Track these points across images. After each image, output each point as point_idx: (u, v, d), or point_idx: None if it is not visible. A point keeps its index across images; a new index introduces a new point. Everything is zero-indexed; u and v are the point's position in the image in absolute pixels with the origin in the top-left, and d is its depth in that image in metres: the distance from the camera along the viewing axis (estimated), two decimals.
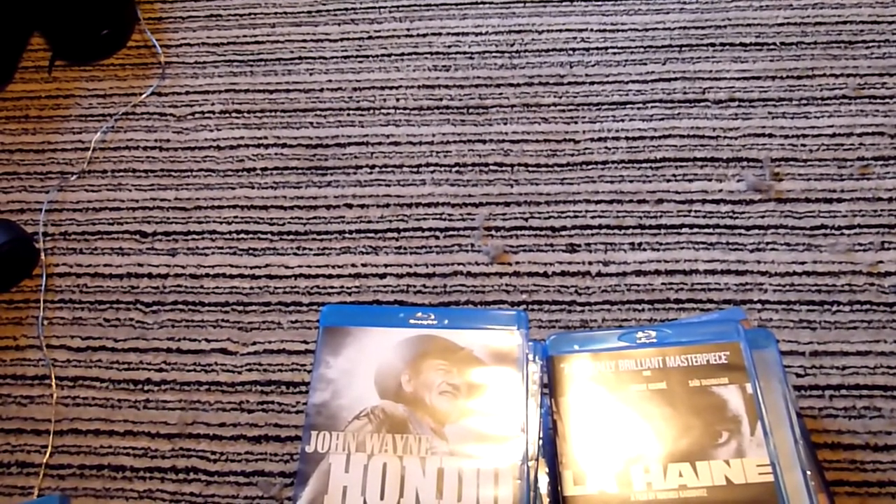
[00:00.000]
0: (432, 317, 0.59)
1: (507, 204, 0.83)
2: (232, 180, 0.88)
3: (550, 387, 0.60)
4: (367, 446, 0.54)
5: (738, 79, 0.89)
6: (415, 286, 0.79)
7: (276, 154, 0.89)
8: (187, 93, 0.95)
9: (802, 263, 0.77)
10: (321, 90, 0.93)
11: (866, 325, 0.73)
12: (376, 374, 0.57)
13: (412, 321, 0.59)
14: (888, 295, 0.74)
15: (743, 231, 0.79)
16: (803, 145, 0.84)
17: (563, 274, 0.79)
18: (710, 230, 0.79)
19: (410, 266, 0.80)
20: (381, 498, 0.53)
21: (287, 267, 0.82)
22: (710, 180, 0.82)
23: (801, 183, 0.82)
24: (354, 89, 0.93)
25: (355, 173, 0.87)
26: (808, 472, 0.56)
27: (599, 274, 0.78)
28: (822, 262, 0.77)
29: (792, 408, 0.59)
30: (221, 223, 0.85)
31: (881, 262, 0.76)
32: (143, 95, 0.95)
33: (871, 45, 0.89)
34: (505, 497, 0.52)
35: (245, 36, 0.98)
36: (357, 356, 0.58)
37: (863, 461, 0.67)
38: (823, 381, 0.71)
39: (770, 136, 0.85)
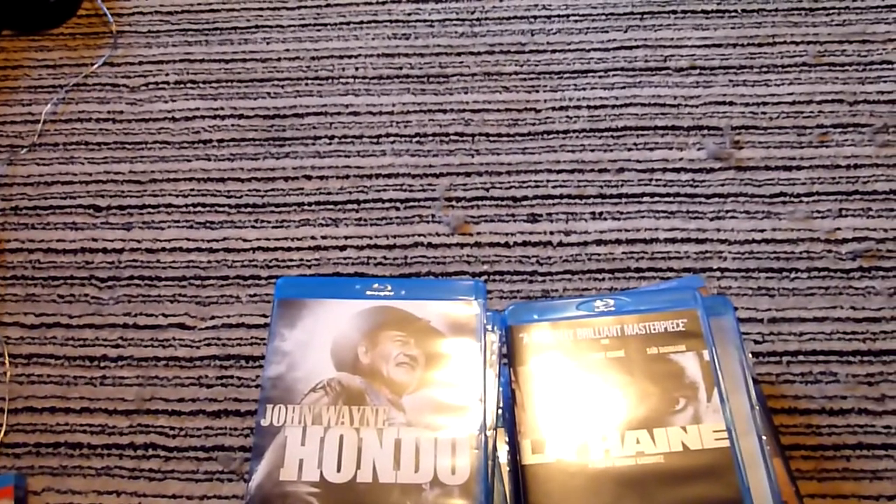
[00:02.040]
0: (389, 288, 0.58)
1: (468, 174, 0.82)
2: (188, 152, 0.86)
3: (509, 356, 0.60)
4: (324, 419, 0.54)
5: (699, 46, 0.88)
6: (375, 258, 0.78)
7: (232, 125, 0.87)
8: (140, 63, 0.92)
9: (761, 231, 0.77)
10: (278, 59, 0.91)
11: (823, 292, 0.74)
12: (332, 346, 0.56)
13: (369, 292, 0.58)
14: (845, 261, 0.75)
15: (703, 199, 0.79)
16: (763, 113, 0.84)
17: (524, 244, 0.78)
18: (671, 199, 0.79)
19: (371, 238, 0.79)
20: (338, 470, 0.52)
21: (245, 240, 0.80)
22: (670, 149, 0.82)
23: (760, 151, 0.82)
24: (312, 58, 0.91)
25: (314, 144, 0.85)
26: (764, 438, 0.56)
27: (560, 244, 0.78)
28: (780, 230, 0.77)
29: (748, 374, 0.59)
30: (177, 196, 0.83)
31: (839, 228, 0.77)
32: (95, 66, 0.92)
33: (831, 12, 0.89)
34: (462, 467, 0.52)
35: (199, 4, 0.96)
36: (313, 328, 0.57)
37: (818, 425, 0.68)
38: (781, 347, 0.72)
39: (731, 104, 0.84)
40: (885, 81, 0.85)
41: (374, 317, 0.58)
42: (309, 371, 0.55)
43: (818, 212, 0.78)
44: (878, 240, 0.76)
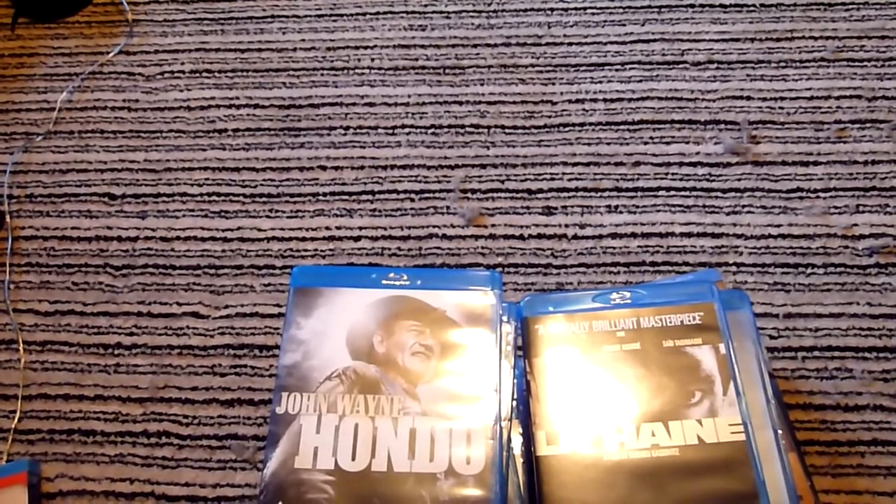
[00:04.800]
0: (405, 277, 0.58)
1: (484, 166, 0.82)
2: (203, 141, 0.86)
3: (524, 348, 0.60)
4: (339, 407, 0.54)
5: (716, 40, 0.88)
6: (390, 249, 0.78)
7: (247, 115, 0.87)
8: (156, 52, 0.92)
9: (778, 226, 0.77)
10: (294, 49, 0.91)
11: (840, 288, 0.73)
12: (348, 335, 0.56)
13: (385, 282, 0.58)
14: (861, 258, 0.75)
15: (720, 194, 0.79)
16: (781, 108, 0.83)
17: (539, 236, 0.78)
18: (687, 193, 0.79)
19: (385, 229, 0.79)
20: (353, 459, 0.52)
21: (260, 229, 0.80)
22: (687, 143, 0.82)
23: (778, 146, 0.81)
24: (328, 49, 0.91)
25: (329, 134, 0.85)
26: (780, 432, 0.56)
27: (576, 237, 0.78)
28: (797, 225, 0.77)
29: (764, 368, 0.59)
30: (192, 185, 0.83)
31: (856, 224, 0.76)
32: (111, 54, 0.92)
33: (850, 7, 0.89)
34: (477, 457, 0.52)
35: None
36: (328, 317, 0.57)
37: (833, 421, 0.68)
38: (796, 342, 0.71)
39: (748, 98, 0.84)
40: None
41: (390, 306, 0.58)
42: (324, 359, 0.55)
43: (835, 207, 0.77)
44: (895, 236, 0.75)
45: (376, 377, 0.55)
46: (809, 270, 0.74)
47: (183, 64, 0.91)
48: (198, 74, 0.90)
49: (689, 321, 0.60)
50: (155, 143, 0.86)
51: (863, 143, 0.81)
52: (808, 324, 0.72)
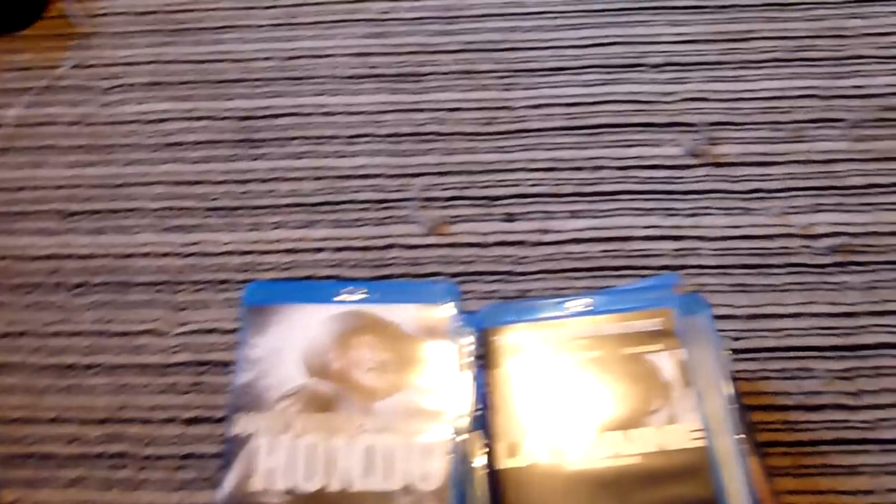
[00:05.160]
0: (361, 292, 0.58)
1: (444, 174, 0.82)
2: (159, 155, 0.85)
3: (484, 359, 0.59)
4: (294, 427, 0.53)
5: (674, 42, 0.88)
6: (350, 260, 0.77)
7: (204, 127, 0.86)
8: (110, 65, 0.91)
9: (738, 227, 0.77)
10: (251, 60, 0.90)
11: (800, 288, 0.74)
12: (303, 353, 0.55)
13: (340, 297, 0.58)
14: (821, 257, 0.75)
15: (679, 196, 0.79)
16: (739, 109, 0.84)
17: (500, 244, 0.78)
18: (647, 196, 0.79)
19: (346, 240, 0.79)
20: (309, 479, 0.51)
21: (218, 243, 0.79)
22: (646, 146, 0.82)
23: (736, 147, 0.81)
24: (286, 58, 0.90)
25: (287, 145, 0.84)
26: (740, 436, 0.56)
27: (537, 243, 0.77)
28: (757, 226, 0.77)
29: (723, 372, 0.59)
30: (149, 200, 0.82)
31: (814, 223, 0.77)
32: (64, 68, 0.91)
33: (805, 7, 0.89)
34: (435, 472, 0.51)
35: (170, 4, 0.94)
36: (283, 334, 0.56)
37: (796, 421, 0.68)
38: (758, 343, 0.71)
39: (706, 100, 0.84)
40: (858, 76, 0.85)
41: (346, 322, 0.57)
42: (279, 378, 0.54)
43: (794, 207, 0.78)
44: (853, 234, 0.76)
45: (332, 395, 0.54)
46: (770, 271, 0.75)
47: (138, 76, 0.90)
48: (153, 87, 0.89)
49: (649, 328, 0.60)
50: (110, 158, 0.85)
51: (820, 143, 0.81)
52: (769, 324, 0.72)
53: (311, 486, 0.51)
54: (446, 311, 0.58)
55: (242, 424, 0.53)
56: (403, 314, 0.57)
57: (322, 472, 0.52)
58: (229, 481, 0.51)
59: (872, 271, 0.74)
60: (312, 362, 0.55)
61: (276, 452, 0.52)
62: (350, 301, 0.58)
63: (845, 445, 0.66)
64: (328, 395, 0.54)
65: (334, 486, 0.51)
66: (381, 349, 0.56)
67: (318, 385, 0.54)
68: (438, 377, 0.55)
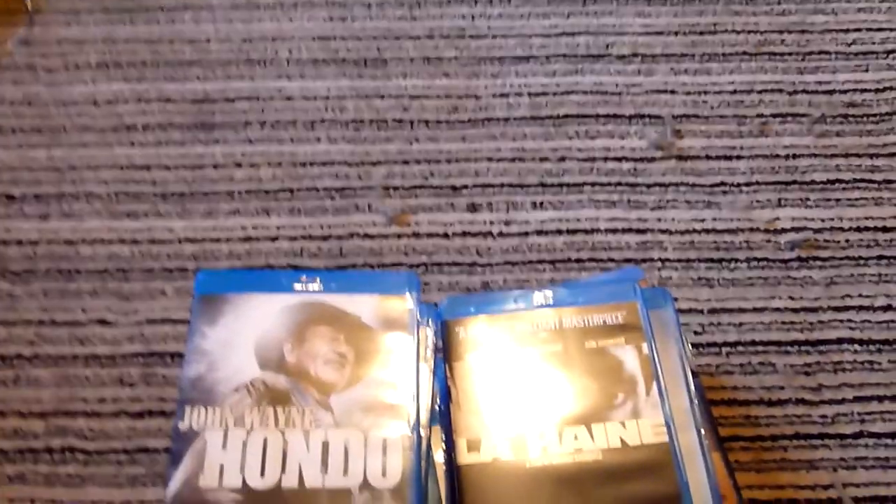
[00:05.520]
0: (317, 281, 0.56)
1: (407, 162, 0.80)
2: (110, 138, 0.81)
3: (445, 351, 0.58)
4: (247, 421, 0.51)
5: (641, 34, 0.87)
6: (309, 249, 0.75)
7: (158, 110, 0.83)
8: (59, 43, 0.87)
9: (702, 221, 0.77)
10: (208, 41, 0.87)
11: (762, 282, 0.73)
12: (256, 344, 0.53)
13: (296, 286, 0.55)
14: (783, 251, 0.75)
15: (644, 189, 0.78)
16: (704, 102, 0.83)
17: (463, 234, 0.76)
18: (612, 188, 0.78)
19: (304, 228, 0.76)
20: (262, 475, 0.49)
21: (171, 230, 0.76)
22: (612, 137, 0.81)
23: (701, 140, 0.81)
24: (244, 40, 0.87)
25: (245, 130, 0.82)
26: (703, 432, 0.55)
27: (501, 234, 0.76)
28: (721, 220, 0.77)
29: (687, 367, 0.58)
30: (99, 184, 0.79)
31: (778, 218, 0.77)
32: (10, 45, 0.86)
33: (771, 2, 0.89)
34: (394, 468, 0.50)
35: None
36: (235, 325, 0.54)
37: (757, 416, 0.68)
38: (721, 337, 0.71)
39: (672, 92, 0.84)
40: (822, 71, 0.85)
41: (301, 312, 0.55)
42: (231, 371, 0.52)
43: (758, 201, 0.78)
44: (815, 229, 0.76)
45: (287, 388, 0.52)
46: (733, 265, 0.74)
47: (89, 56, 0.86)
48: (105, 67, 0.85)
49: (612, 321, 0.59)
50: (58, 141, 0.81)
51: (784, 137, 0.81)
52: (732, 318, 0.72)
53: (265, 483, 0.49)
54: (406, 302, 0.56)
55: (192, 418, 0.51)
56: (362, 305, 0.55)
57: (276, 469, 0.49)
58: (177, 478, 0.49)
59: (834, 266, 0.74)
60: (266, 354, 0.53)
61: (227, 448, 0.50)
62: (307, 291, 0.55)
63: (805, 440, 0.66)
64: (283, 389, 0.52)
65: (289, 483, 0.49)
66: (339, 341, 0.54)
67: (271, 378, 0.52)
68: (398, 370, 0.53)
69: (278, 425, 0.51)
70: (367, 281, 0.56)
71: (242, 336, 0.53)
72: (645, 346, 0.57)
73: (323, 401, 0.52)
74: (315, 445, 0.50)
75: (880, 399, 0.68)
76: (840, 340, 0.70)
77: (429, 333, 0.56)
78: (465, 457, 0.54)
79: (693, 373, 0.58)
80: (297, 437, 0.50)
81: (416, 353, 0.54)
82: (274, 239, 0.76)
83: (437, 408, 0.56)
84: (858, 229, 0.76)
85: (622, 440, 0.54)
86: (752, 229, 0.76)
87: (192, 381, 0.52)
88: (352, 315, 0.55)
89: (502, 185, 0.78)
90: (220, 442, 0.50)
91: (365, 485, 0.49)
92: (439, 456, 0.55)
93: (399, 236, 0.76)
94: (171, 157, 0.80)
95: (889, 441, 0.66)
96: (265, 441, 0.50)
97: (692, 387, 0.57)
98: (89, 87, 0.84)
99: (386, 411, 0.52)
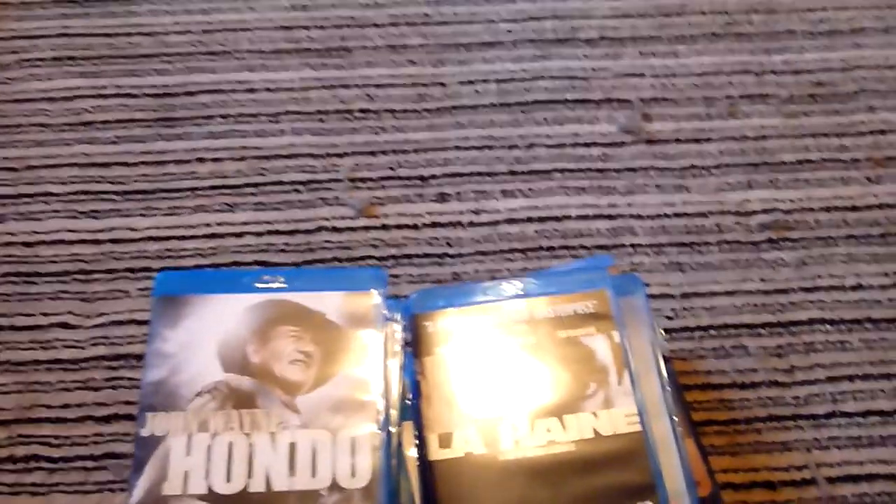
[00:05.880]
0: (281, 279, 0.54)
1: (374, 153, 0.78)
2: (68, 135, 0.79)
3: (414, 346, 0.57)
4: (211, 425, 0.50)
5: (608, 17, 0.86)
6: (276, 245, 0.74)
7: (117, 105, 0.81)
8: (13, 38, 0.84)
9: (672, 205, 0.76)
10: (166, 33, 0.85)
11: (734, 265, 0.73)
12: (219, 346, 0.52)
13: (258, 285, 0.54)
14: (754, 233, 0.75)
15: (614, 174, 0.78)
16: (673, 85, 0.82)
17: (433, 225, 0.75)
18: (582, 174, 0.77)
19: (271, 223, 0.75)
20: (228, 480, 0.48)
21: (134, 229, 0.75)
22: (581, 123, 0.80)
23: (670, 123, 0.80)
24: (204, 31, 0.85)
25: (207, 124, 0.80)
26: (676, 419, 0.55)
27: (471, 224, 0.75)
28: (691, 203, 0.76)
29: (659, 353, 0.58)
30: (57, 184, 0.77)
31: (748, 200, 0.76)
32: None
33: None
34: (363, 468, 0.49)
35: None
36: (197, 327, 0.52)
37: (731, 400, 0.67)
38: (693, 322, 0.71)
39: (640, 75, 0.83)
40: (790, 52, 0.84)
41: (265, 312, 0.53)
42: (193, 374, 0.51)
43: (728, 184, 0.77)
44: (785, 210, 0.76)
45: (251, 390, 0.51)
46: (704, 248, 0.74)
47: (43, 51, 0.84)
48: (60, 62, 0.83)
49: (583, 310, 0.58)
50: (14, 139, 0.79)
51: (753, 119, 0.81)
52: (704, 302, 0.72)
53: (231, 488, 0.48)
54: (373, 298, 0.55)
55: (154, 424, 0.49)
56: (328, 302, 0.54)
57: (243, 473, 0.48)
58: (141, 486, 0.48)
59: (804, 247, 0.74)
60: (229, 356, 0.52)
61: (192, 453, 0.49)
62: (270, 289, 0.54)
63: (779, 422, 0.66)
64: (247, 391, 0.51)
65: (256, 487, 0.48)
66: (304, 340, 0.53)
67: (235, 380, 0.51)
68: (366, 368, 0.52)
69: (244, 428, 0.50)
70: (332, 278, 0.55)
71: (204, 338, 0.52)
72: (616, 335, 0.57)
73: (289, 402, 0.51)
74: (282, 448, 0.49)
75: (851, 378, 0.68)
76: (811, 321, 0.70)
77: (397, 329, 0.55)
78: (436, 452, 0.53)
79: (665, 358, 0.58)
80: (264, 440, 0.49)
81: (384, 349, 0.53)
82: (240, 235, 0.74)
83: (407, 403, 0.55)
84: (828, 209, 0.76)
85: (595, 430, 0.54)
86: (722, 212, 0.76)
87: (154, 385, 0.50)
88: (317, 313, 0.54)
89: (471, 174, 0.77)
90: (183, 448, 0.49)
91: (334, 486, 0.48)
92: (410, 453, 0.54)
93: (368, 229, 0.75)
94: (133, 153, 0.78)
95: (861, 420, 0.66)
96: (230, 445, 0.49)
97: (664, 373, 0.57)
98: (45, 83, 0.82)
99: (354, 410, 0.51)
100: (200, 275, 0.57)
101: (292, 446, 0.49)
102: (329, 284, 0.55)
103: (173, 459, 0.48)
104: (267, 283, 0.54)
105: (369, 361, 0.52)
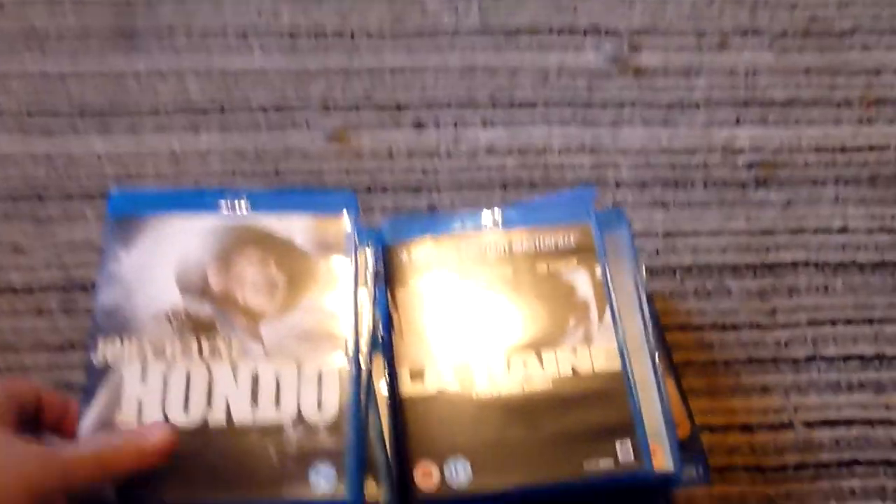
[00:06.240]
0: (245, 200, 0.51)
1: (347, 76, 0.74)
2: (19, 46, 0.74)
3: (386, 277, 0.54)
4: (168, 353, 0.47)
5: None
6: (242, 170, 0.70)
7: (74, 13, 0.75)
8: None
9: (658, 140, 0.73)
10: None
11: (719, 204, 0.71)
12: (177, 269, 0.49)
13: (221, 206, 0.51)
14: (741, 172, 0.72)
15: (599, 106, 0.74)
16: (662, 15, 0.79)
17: (409, 154, 0.71)
18: (566, 106, 0.74)
19: (237, 146, 0.71)
20: (186, 411, 0.45)
21: (90, 150, 0.70)
22: (566, 51, 0.76)
23: (659, 55, 0.77)
24: None
25: (170, 38, 0.75)
26: (657, 357, 0.53)
27: (448, 154, 0.72)
28: (678, 139, 0.73)
29: (642, 291, 0.55)
30: (8, 100, 0.72)
31: (736, 138, 0.74)
32: None
33: None
34: (330, 401, 0.46)
35: None
36: (154, 249, 0.49)
37: (710, 341, 0.66)
38: (675, 261, 0.69)
39: (630, 3, 0.79)
40: None
41: (228, 235, 0.50)
42: (149, 298, 0.48)
43: (716, 120, 0.74)
44: (774, 150, 0.73)
45: (211, 316, 0.48)
46: (689, 187, 0.72)
47: None
48: None
49: (564, 243, 0.55)
50: None
51: (744, 53, 0.78)
52: (687, 242, 0.69)
53: (189, 419, 0.45)
54: (343, 223, 0.51)
55: (106, 351, 0.46)
56: (295, 226, 0.51)
57: (201, 403, 0.46)
58: (90, 415, 0.45)
59: (791, 188, 0.72)
60: (188, 280, 0.48)
61: (146, 382, 0.46)
62: (232, 211, 0.51)
63: (758, 365, 0.65)
64: (207, 318, 0.48)
65: (216, 419, 0.45)
66: (269, 265, 0.49)
67: (194, 306, 0.48)
68: (335, 297, 0.49)
69: (203, 357, 0.47)
70: (300, 200, 0.52)
71: (161, 260, 0.48)
72: (598, 270, 0.54)
73: (252, 330, 0.48)
74: (244, 378, 0.46)
75: (833, 322, 0.66)
76: (795, 263, 0.69)
77: (368, 256, 0.52)
78: (408, 387, 0.51)
79: (647, 297, 0.56)
80: (224, 370, 0.46)
81: (354, 278, 0.50)
82: (204, 157, 0.70)
83: (379, 337, 0.52)
84: (817, 149, 0.74)
85: (573, 367, 0.51)
86: (709, 150, 0.73)
87: (106, 310, 0.47)
88: (283, 237, 0.50)
89: (450, 103, 0.74)
90: (138, 375, 0.46)
91: (299, 419, 0.46)
92: (381, 386, 0.52)
93: (339, 156, 0.71)
94: (90, 69, 0.73)
95: (841, 364, 0.65)
96: (188, 374, 0.46)
97: (647, 312, 0.55)
98: None
99: (321, 341, 0.48)
100: (158, 194, 0.53)
101: (255, 377, 0.46)
102: (296, 207, 0.51)
103: (127, 387, 0.45)
104: (230, 203, 0.50)
105: (339, 291, 0.49)
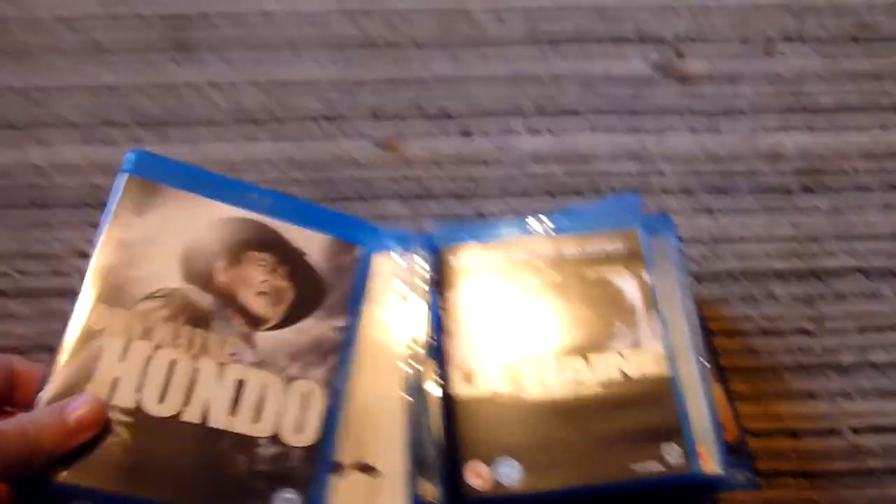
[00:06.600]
0: (270, 201, 0.50)
1: (396, 85, 0.76)
2: (82, 59, 0.77)
3: (438, 280, 0.55)
4: (156, 335, 0.44)
5: None
6: (296, 178, 0.72)
7: (132, 27, 0.78)
8: None
9: (704, 148, 0.74)
10: None
11: (765, 210, 0.71)
12: (184, 251, 0.47)
13: (245, 199, 0.49)
14: (787, 179, 0.72)
15: (644, 114, 0.75)
16: (708, 21, 0.79)
17: (457, 162, 0.73)
18: (611, 113, 0.75)
19: (290, 155, 0.73)
20: (161, 401, 0.43)
21: None
22: (611, 59, 0.77)
23: (704, 62, 0.77)
24: None
25: (226, 52, 0.77)
26: (704, 362, 0.54)
27: (496, 161, 0.73)
28: (724, 146, 0.74)
29: (688, 296, 0.56)
30: (70, 111, 0.75)
31: (783, 144, 0.74)
32: None
33: None
34: (310, 426, 0.46)
35: None
36: (165, 222, 0.46)
37: (757, 347, 0.66)
38: (722, 267, 0.69)
39: (675, 10, 0.79)
40: None
41: (243, 230, 0.48)
42: (150, 273, 0.45)
43: (762, 127, 0.74)
44: (820, 156, 0.73)
45: (210, 309, 0.46)
46: (735, 193, 0.72)
47: None
48: None
49: (612, 249, 0.56)
50: (27, 66, 0.77)
51: (790, 59, 0.78)
52: (733, 248, 0.70)
53: (162, 410, 0.43)
54: (357, 252, 0.51)
55: (91, 316, 0.43)
56: (312, 243, 0.50)
57: (179, 397, 0.43)
58: (57, 379, 0.41)
59: (838, 194, 0.72)
60: (194, 267, 0.46)
61: (127, 359, 0.43)
62: (255, 208, 0.49)
63: (805, 371, 0.65)
64: (204, 309, 0.45)
65: (190, 417, 0.43)
66: (277, 274, 0.48)
67: (196, 294, 0.46)
68: (336, 323, 0.49)
69: (192, 349, 0.45)
70: (324, 219, 0.51)
71: (171, 237, 0.46)
72: (645, 275, 0.55)
73: (247, 334, 0.46)
74: (228, 382, 0.44)
75: (881, 329, 0.66)
76: (843, 270, 0.68)
77: (420, 262, 0.53)
78: (459, 389, 0.52)
79: (693, 302, 0.56)
80: (210, 368, 0.44)
81: (356, 308, 0.50)
82: (258, 165, 0.72)
83: (430, 341, 0.54)
84: (865, 156, 0.73)
85: (622, 371, 0.52)
86: (755, 156, 0.73)
87: (102, 271, 0.44)
88: (298, 250, 0.49)
89: (496, 111, 0.75)
90: (118, 350, 0.43)
91: (274, 439, 0.44)
92: (431, 389, 0.53)
93: (389, 164, 0.73)
94: (148, 81, 0.76)
95: (889, 371, 0.64)
96: (173, 363, 0.44)
97: (693, 316, 0.55)
98: (57, 4, 0.79)
99: (313, 363, 0.47)
100: (184, 168, 0.50)
101: (240, 383, 0.45)
102: (319, 223, 0.51)
103: (104, 360, 0.43)
104: (255, 200, 0.49)
105: (342, 318, 0.49)
